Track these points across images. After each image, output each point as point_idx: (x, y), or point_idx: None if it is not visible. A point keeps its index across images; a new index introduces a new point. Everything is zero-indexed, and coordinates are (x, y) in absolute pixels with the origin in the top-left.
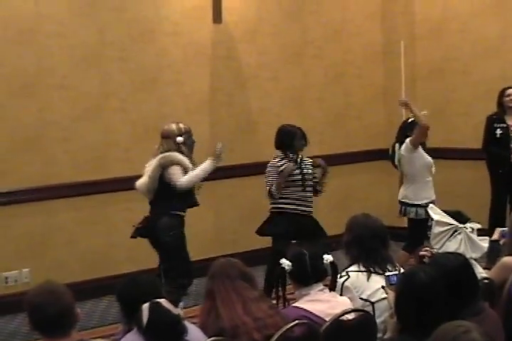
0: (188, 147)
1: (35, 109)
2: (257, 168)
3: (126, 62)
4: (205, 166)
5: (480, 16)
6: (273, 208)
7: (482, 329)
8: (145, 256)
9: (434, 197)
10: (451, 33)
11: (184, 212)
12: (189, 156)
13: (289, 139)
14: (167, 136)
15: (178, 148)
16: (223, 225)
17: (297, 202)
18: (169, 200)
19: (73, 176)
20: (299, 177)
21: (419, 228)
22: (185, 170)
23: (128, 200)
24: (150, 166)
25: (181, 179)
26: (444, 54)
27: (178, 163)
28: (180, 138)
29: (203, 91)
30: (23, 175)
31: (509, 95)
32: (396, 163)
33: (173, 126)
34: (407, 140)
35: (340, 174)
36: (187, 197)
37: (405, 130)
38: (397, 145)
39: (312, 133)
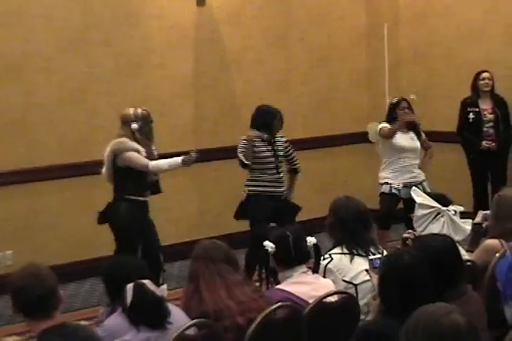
0: (143, 134)
1: (21, 91)
2: None
3: (111, 45)
4: (173, 163)
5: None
6: (248, 191)
7: (462, 310)
8: None
9: (397, 181)
10: (434, 17)
11: (142, 196)
12: (145, 143)
13: (270, 119)
14: (124, 122)
15: (133, 135)
16: (207, 208)
17: (271, 184)
18: (124, 185)
19: (58, 159)
20: (272, 159)
21: (382, 201)
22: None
23: None
24: (106, 152)
25: (150, 163)
26: (427, 37)
27: (131, 149)
28: (134, 126)
29: (187, 74)
30: (7, 157)
31: (484, 79)
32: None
33: (130, 111)
34: (381, 126)
35: (324, 157)
36: (141, 181)
37: (392, 111)
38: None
39: (296, 116)
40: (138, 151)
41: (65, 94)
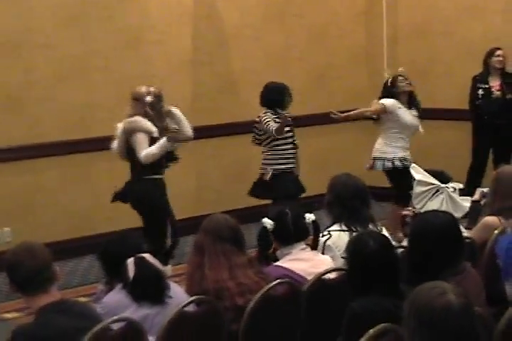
0: (156, 112)
1: (20, 68)
2: (240, 128)
3: (110, 21)
4: (162, 144)
5: None
6: (274, 170)
7: (459, 290)
8: (127, 216)
9: (404, 155)
10: None
11: (159, 174)
12: (157, 121)
13: (280, 95)
14: (136, 98)
15: (145, 111)
16: (206, 185)
17: (291, 160)
18: (139, 165)
19: (57, 136)
20: (291, 134)
21: (396, 177)
22: (151, 137)
23: (111, 160)
24: (119, 129)
25: (142, 153)
26: (426, 14)
27: (141, 130)
28: (149, 99)
29: (186, 51)
30: (6, 134)
31: (498, 55)
32: None
33: (143, 88)
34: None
35: (321, 134)
36: (159, 160)
37: (391, 88)
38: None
39: (294, 93)
40: (150, 132)
41: (63, 70)
